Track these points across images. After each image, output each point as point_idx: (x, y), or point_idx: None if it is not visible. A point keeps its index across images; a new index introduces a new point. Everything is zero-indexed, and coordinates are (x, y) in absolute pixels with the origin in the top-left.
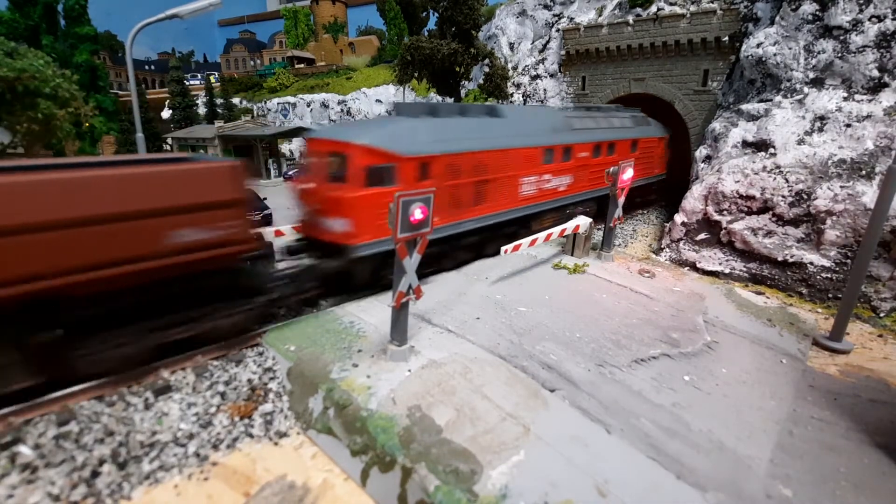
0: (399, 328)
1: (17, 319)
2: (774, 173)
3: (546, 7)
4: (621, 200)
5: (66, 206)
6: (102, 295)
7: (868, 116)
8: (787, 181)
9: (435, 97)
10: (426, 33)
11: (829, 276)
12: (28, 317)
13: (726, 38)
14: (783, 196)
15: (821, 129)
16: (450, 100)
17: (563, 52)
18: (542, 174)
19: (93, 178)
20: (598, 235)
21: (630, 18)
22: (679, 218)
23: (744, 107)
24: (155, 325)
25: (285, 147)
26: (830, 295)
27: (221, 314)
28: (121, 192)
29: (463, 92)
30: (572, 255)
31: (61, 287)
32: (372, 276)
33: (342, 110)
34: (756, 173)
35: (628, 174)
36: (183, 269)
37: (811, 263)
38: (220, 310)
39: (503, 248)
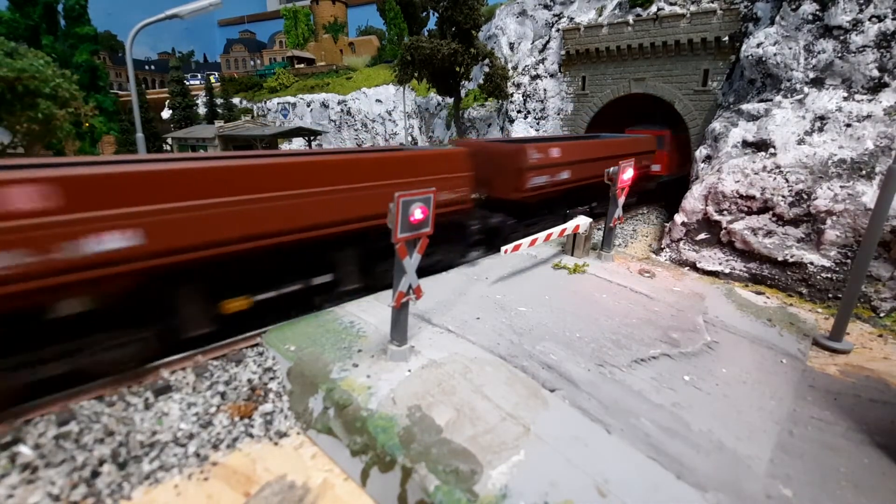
0: (399, 328)
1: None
2: (774, 173)
3: (546, 7)
4: (621, 200)
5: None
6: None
7: (868, 116)
8: (787, 181)
9: (435, 97)
10: (426, 33)
11: (829, 275)
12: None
13: (726, 37)
14: (783, 196)
15: (821, 129)
16: (450, 100)
17: (563, 52)
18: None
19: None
20: (598, 235)
21: (630, 18)
22: (679, 218)
23: (744, 107)
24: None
25: (285, 147)
26: (830, 295)
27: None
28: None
29: (463, 92)
30: (572, 255)
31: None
32: (663, 193)
33: (342, 110)
34: (756, 173)
35: (628, 174)
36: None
37: (811, 263)
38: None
39: (503, 248)
